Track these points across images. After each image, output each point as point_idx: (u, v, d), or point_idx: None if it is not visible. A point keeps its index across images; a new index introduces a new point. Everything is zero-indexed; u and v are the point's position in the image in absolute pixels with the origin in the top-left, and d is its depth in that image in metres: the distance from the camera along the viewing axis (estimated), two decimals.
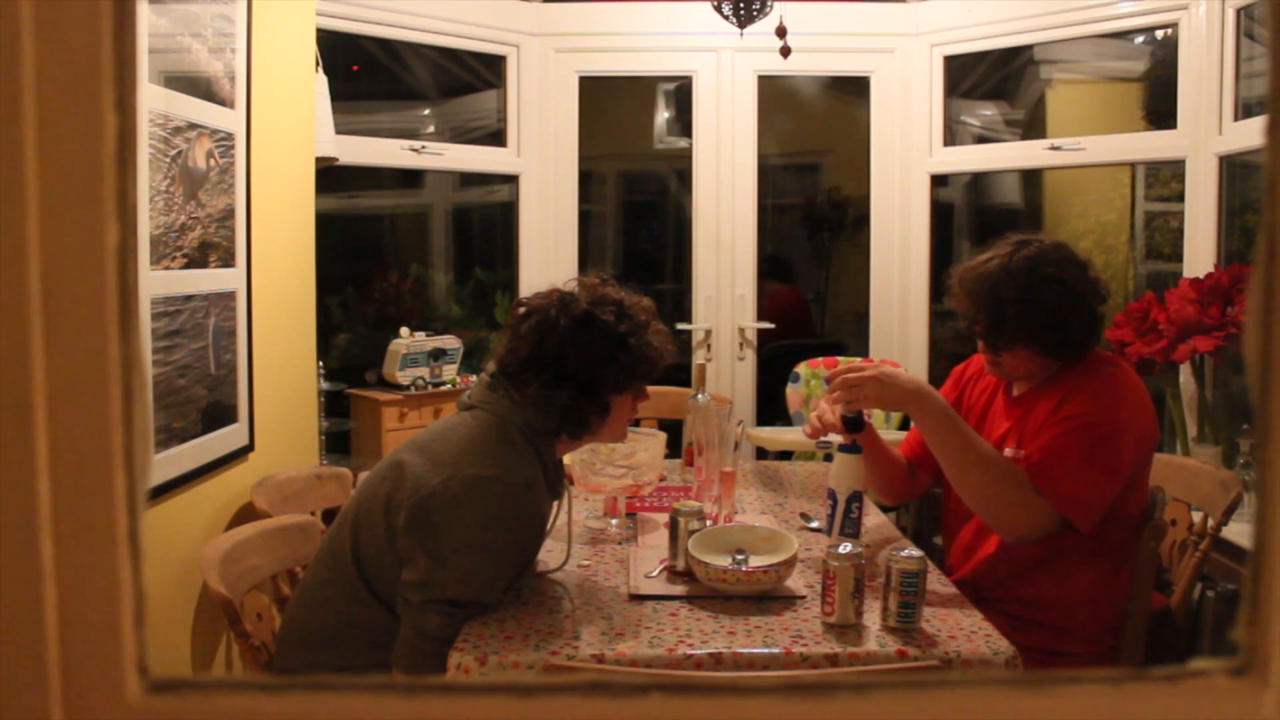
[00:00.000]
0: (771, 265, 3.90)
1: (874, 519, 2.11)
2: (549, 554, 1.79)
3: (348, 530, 1.63)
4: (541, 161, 3.76)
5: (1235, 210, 3.02)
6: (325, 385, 3.15)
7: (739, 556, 1.69)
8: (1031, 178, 4.18)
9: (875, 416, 3.46)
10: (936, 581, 1.70)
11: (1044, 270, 1.79)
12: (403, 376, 3.33)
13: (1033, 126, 4.04)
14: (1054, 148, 3.44)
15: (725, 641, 1.45)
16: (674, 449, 2.51)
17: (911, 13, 3.68)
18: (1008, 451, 1.87)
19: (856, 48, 3.73)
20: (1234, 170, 3.00)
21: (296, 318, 2.66)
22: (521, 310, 1.68)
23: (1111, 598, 1.83)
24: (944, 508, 2.05)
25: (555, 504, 1.73)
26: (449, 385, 3.43)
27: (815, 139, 4.95)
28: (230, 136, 2.19)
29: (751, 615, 1.55)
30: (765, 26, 2.82)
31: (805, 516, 2.13)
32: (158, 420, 1.88)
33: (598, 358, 1.63)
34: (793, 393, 3.54)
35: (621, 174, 4.97)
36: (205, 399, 2.08)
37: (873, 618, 1.53)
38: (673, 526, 1.73)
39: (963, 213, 4.37)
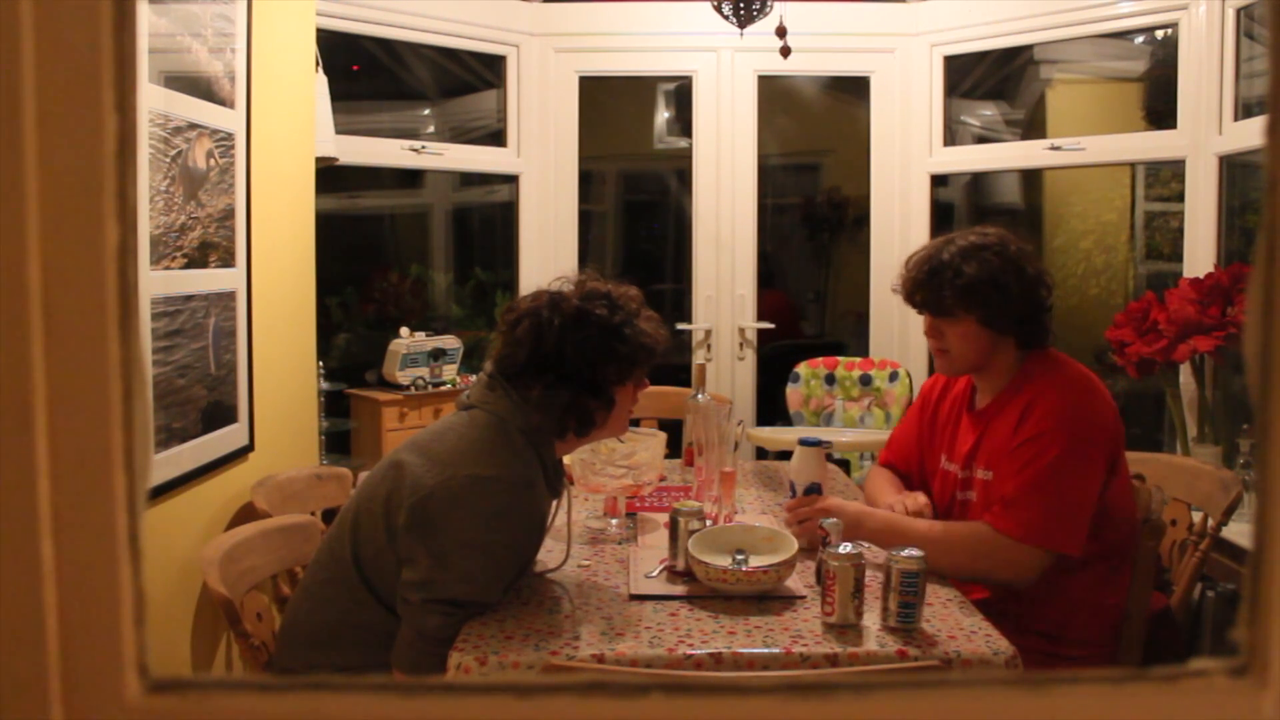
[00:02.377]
0: (759, 269, 3.88)
1: None
2: (549, 554, 1.79)
3: (347, 530, 1.63)
4: (541, 161, 3.76)
5: (1235, 210, 3.02)
6: (325, 385, 3.15)
7: (739, 556, 1.69)
8: (1031, 178, 4.19)
9: (876, 416, 3.46)
10: (936, 581, 1.70)
11: (984, 241, 1.85)
12: (403, 376, 3.33)
13: (1033, 126, 4.04)
14: (1054, 148, 3.44)
15: (725, 641, 1.45)
16: (674, 449, 2.51)
17: (911, 13, 3.68)
18: (980, 473, 1.87)
19: (856, 48, 3.73)
20: (1234, 170, 3.00)
21: (296, 318, 2.66)
22: (513, 315, 1.68)
23: (1111, 598, 1.83)
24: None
25: (555, 503, 1.73)
26: (449, 385, 3.43)
27: (815, 139, 4.95)
28: (230, 136, 2.19)
29: (751, 615, 1.55)
30: (765, 26, 2.82)
31: None
32: (158, 420, 1.88)
33: (597, 352, 1.63)
34: (793, 393, 3.54)
35: (621, 174, 4.97)
36: (205, 399, 2.08)
37: (873, 618, 1.53)
38: (673, 526, 1.73)
39: (963, 213, 4.37)
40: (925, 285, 1.86)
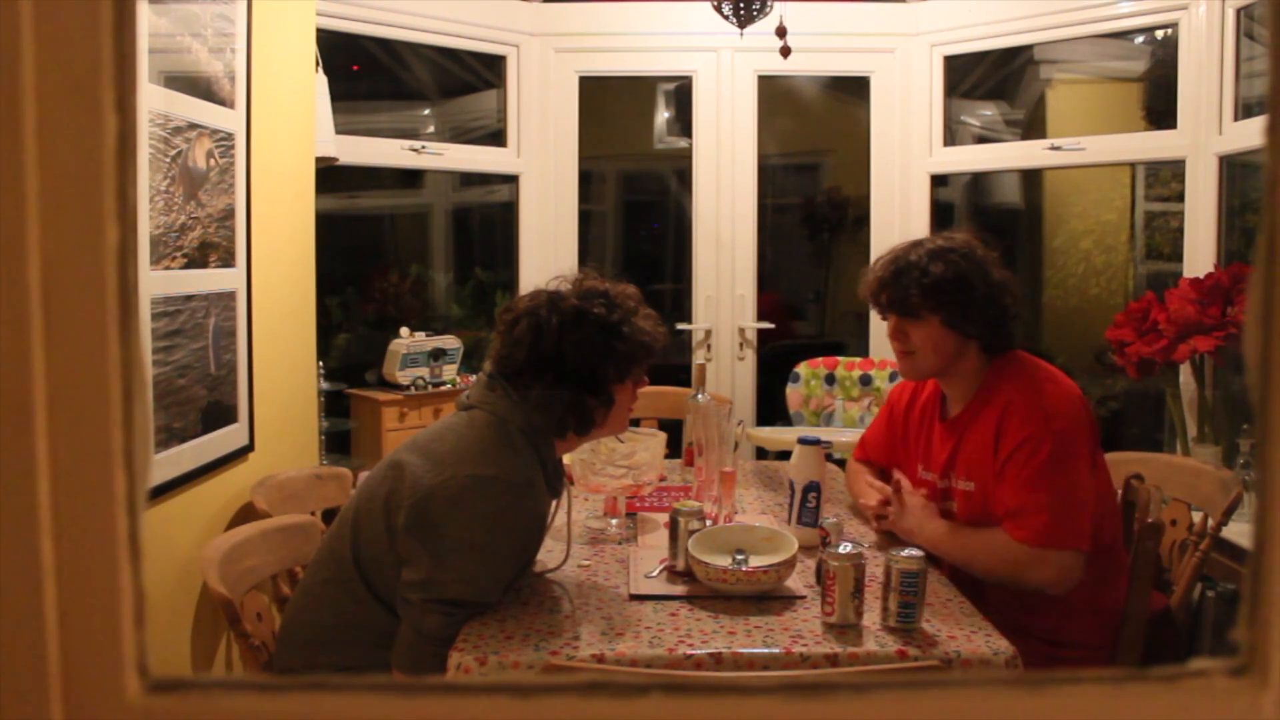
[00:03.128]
0: (759, 269, 3.87)
1: None
2: (549, 554, 1.79)
3: (348, 530, 1.63)
4: (541, 161, 3.77)
5: (1235, 210, 3.02)
6: (325, 385, 3.15)
7: (739, 556, 1.69)
8: (1031, 178, 4.19)
9: (876, 415, 3.46)
10: (936, 581, 1.70)
11: (950, 244, 1.87)
12: (403, 376, 3.33)
13: (1033, 126, 4.04)
14: (1054, 148, 3.44)
15: (725, 641, 1.45)
16: (674, 449, 2.51)
17: (911, 13, 3.68)
18: (960, 484, 1.87)
19: (856, 48, 3.73)
20: (1234, 170, 3.00)
21: (296, 318, 2.66)
22: (512, 315, 1.68)
23: (1109, 600, 1.82)
24: None
25: (555, 503, 1.73)
26: (449, 385, 3.43)
27: (815, 139, 4.94)
28: (230, 136, 2.19)
29: (751, 615, 1.55)
30: (765, 26, 2.82)
31: None
32: (158, 420, 1.88)
33: (596, 351, 1.63)
34: (793, 393, 3.54)
35: (621, 174, 4.96)
36: (205, 399, 2.08)
37: (873, 618, 1.53)
38: (673, 526, 1.73)
39: (963, 213, 4.37)
40: (891, 284, 1.87)
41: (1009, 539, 1.73)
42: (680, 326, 3.79)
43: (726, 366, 3.80)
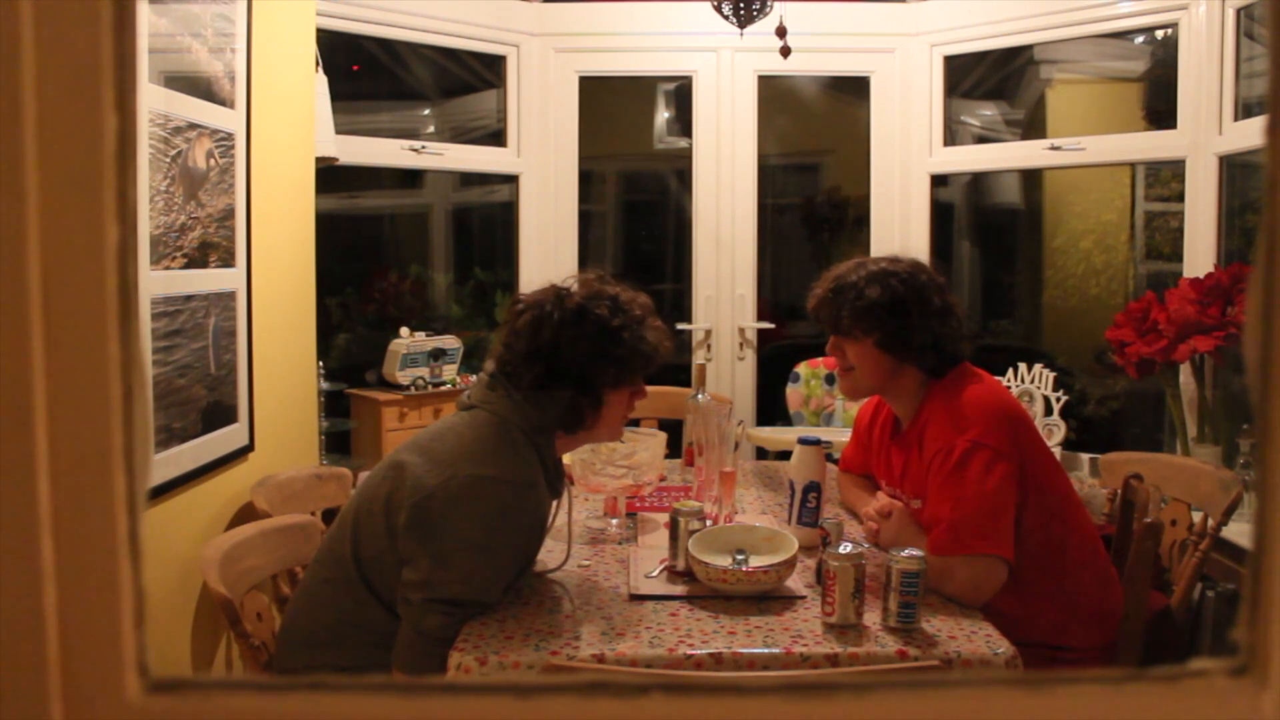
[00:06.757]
0: (759, 269, 3.87)
1: None
2: (549, 554, 1.79)
3: (348, 530, 1.63)
4: (541, 161, 3.76)
5: (1235, 210, 3.02)
6: (325, 385, 3.15)
7: (739, 556, 1.69)
8: (1031, 178, 4.18)
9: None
10: None
11: (893, 268, 1.87)
12: (403, 376, 3.33)
13: (1033, 126, 4.04)
14: (1054, 148, 3.44)
15: (725, 641, 1.45)
16: (674, 449, 2.51)
17: (911, 13, 3.68)
18: (913, 501, 1.86)
19: (856, 48, 3.73)
20: (1234, 170, 3.00)
21: (296, 318, 2.66)
22: (518, 307, 1.68)
23: (1109, 601, 1.82)
24: None
25: (555, 503, 1.73)
26: (449, 385, 3.43)
27: (815, 139, 4.94)
28: (230, 136, 2.19)
29: (751, 615, 1.55)
30: (765, 26, 2.82)
31: None
32: (158, 420, 1.88)
33: (591, 351, 1.63)
34: (793, 393, 3.54)
35: (621, 174, 4.96)
36: (205, 399, 2.08)
37: (873, 618, 1.53)
38: (673, 526, 1.73)
39: (963, 213, 4.37)
40: (828, 304, 1.88)
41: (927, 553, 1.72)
42: (680, 326, 3.79)
43: (726, 366, 3.80)
